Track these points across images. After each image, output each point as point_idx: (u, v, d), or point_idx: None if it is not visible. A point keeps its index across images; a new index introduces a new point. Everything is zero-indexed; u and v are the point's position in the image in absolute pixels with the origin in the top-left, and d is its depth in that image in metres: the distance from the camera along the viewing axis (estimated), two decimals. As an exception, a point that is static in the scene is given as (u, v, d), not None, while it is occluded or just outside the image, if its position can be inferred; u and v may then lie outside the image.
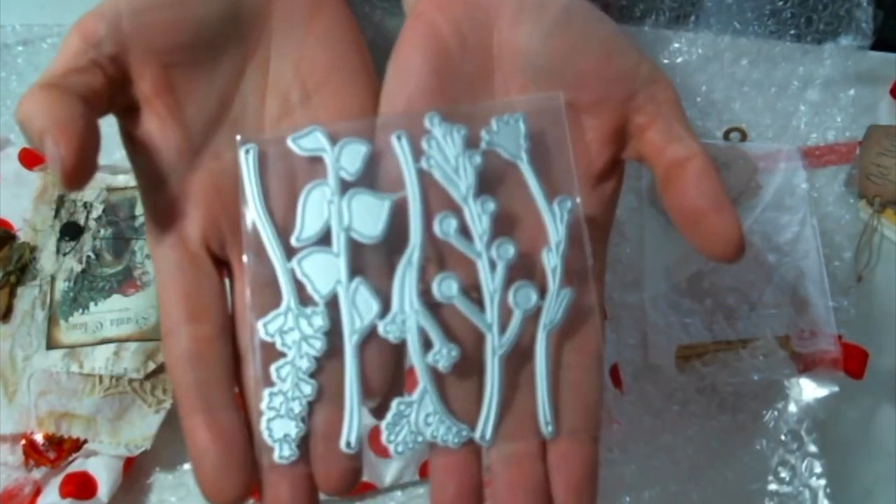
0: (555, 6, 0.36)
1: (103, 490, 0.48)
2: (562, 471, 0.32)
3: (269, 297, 0.33)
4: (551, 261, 0.33)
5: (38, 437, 0.49)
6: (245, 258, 0.33)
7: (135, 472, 0.51)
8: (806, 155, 0.62)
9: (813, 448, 0.48)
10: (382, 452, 0.50)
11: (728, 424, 0.50)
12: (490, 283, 0.32)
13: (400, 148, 0.33)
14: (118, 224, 0.53)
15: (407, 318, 0.32)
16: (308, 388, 0.31)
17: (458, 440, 0.31)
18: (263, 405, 0.31)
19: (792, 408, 0.49)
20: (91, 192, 0.55)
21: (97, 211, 0.54)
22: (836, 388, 0.49)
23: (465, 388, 0.33)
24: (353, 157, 0.33)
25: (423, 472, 0.51)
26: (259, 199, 0.33)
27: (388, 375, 0.33)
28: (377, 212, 0.33)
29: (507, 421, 0.32)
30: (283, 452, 0.31)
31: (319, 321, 0.32)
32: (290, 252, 0.33)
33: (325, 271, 0.32)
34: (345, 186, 0.33)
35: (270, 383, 0.31)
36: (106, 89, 0.32)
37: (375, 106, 0.36)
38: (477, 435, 0.32)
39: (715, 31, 0.66)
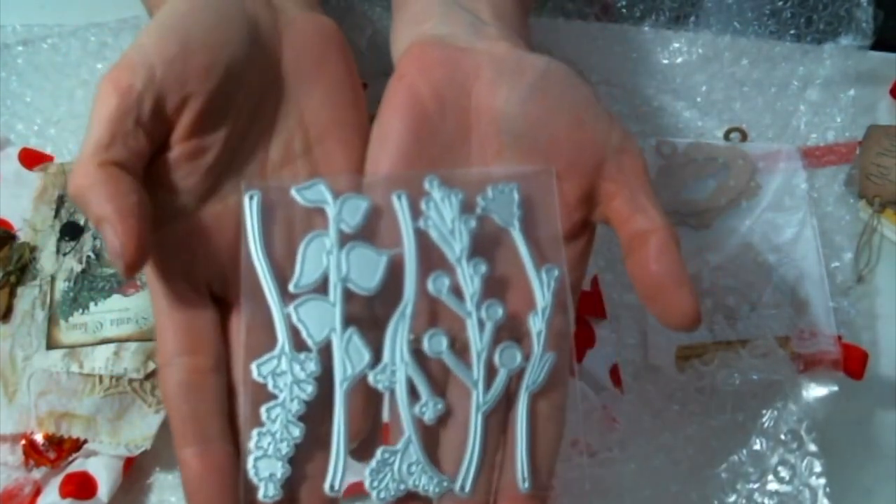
0: (532, 71, 0.37)
1: (103, 490, 0.48)
2: None
3: (263, 340, 0.33)
4: (537, 325, 0.35)
5: (38, 437, 0.49)
6: (242, 300, 0.34)
7: (135, 472, 0.51)
8: (806, 155, 0.62)
9: (812, 447, 0.48)
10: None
11: (728, 424, 0.50)
12: (478, 341, 0.34)
13: (400, 207, 0.35)
14: (118, 224, 0.53)
15: (397, 370, 0.33)
16: (297, 431, 0.32)
17: (439, 490, 0.33)
18: (251, 444, 0.32)
19: (791, 407, 0.49)
20: (91, 193, 0.55)
21: (97, 211, 0.54)
22: (835, 388, 0.49)
23: (447, 441, 0.34)
24: (353, 211, 0.35)
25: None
26: (260, 244, 0.34)
27: (370, 422, 0.34)
28: (374, 265, 0.34)
29: (485, 474, 0.33)
30: (267, 492, 0.32)
31: (312, 366, 0.33)
32: (287, 298, 0.34)
33: (320, 319, 0.33)
34: (344, 239, 0.34)
35: (260, 423, 0.32)
36: (148, 151, 0.33)
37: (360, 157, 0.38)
38: (457, 486, 0.33)
39: (715, 31, 0.66)
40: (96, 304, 0.51)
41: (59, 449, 0.49)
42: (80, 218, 0.54)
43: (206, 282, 0.35)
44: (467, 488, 0.33)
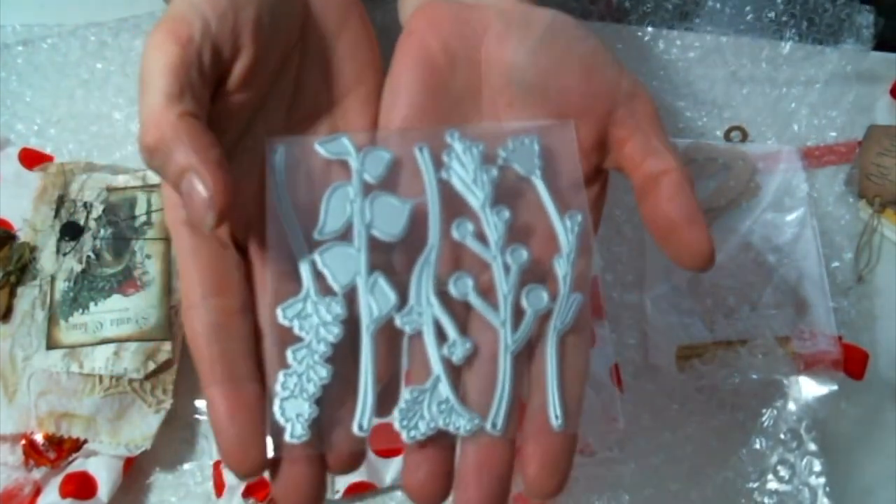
0: (540, 23, 0.37)
1: (103, 490, 0.48)
2: (538, 448, 0.33)
3: (288, 287, 0.33)
4: (562, 267, 0.34)
5: (38, 437, 0.49)
6: (268, 250, 0.34)
7: (135, 472, 0.51)
8: (806, 155, 0.62)
9: (812, 447, 0.48)
10: (382, 453, 0.50)
11: (727, 423, 0.50)
12: (504, 284, 0.34)
13: (422, 158, 0.35)
14: (118, 224, 0.54)
15: (423, 311, 0.33)
16: (324, 372, 0.32)
17: (471, 427, 0.32)
18: (278, 386, 0.31)
19: (791, 406, 0.49)
20: (91, 192, 0.55)
21: (97, 211, 0.54)
22: (835, 387, 0.49)
23: (474, 381, 0.33)
24: (376, 162, 0.35)
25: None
26: (284, 194, 0.35)
27: (394, 367, 0.34)
28: (398, 213, 0.34)
29: (515, 415, 0.33)
30: (295, 432, 0.31)
31: (338, 309, 0.33)
32: (311, 246, 0.34)
33: (344, 264, 0.33)
34: (367, 189, 0.35)
35: (286, 366, 0.32)
36: (208, 104, 0.33)
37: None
38: (488, 424, 0.32)
39: (716, 31, 0.66)
40: (96, 304, 0.51)
41: (59, 449, 0.49)
42: (80, 218, 0.54)
43: (229, 230, 0.34)
44: (499, 425, 0.32)
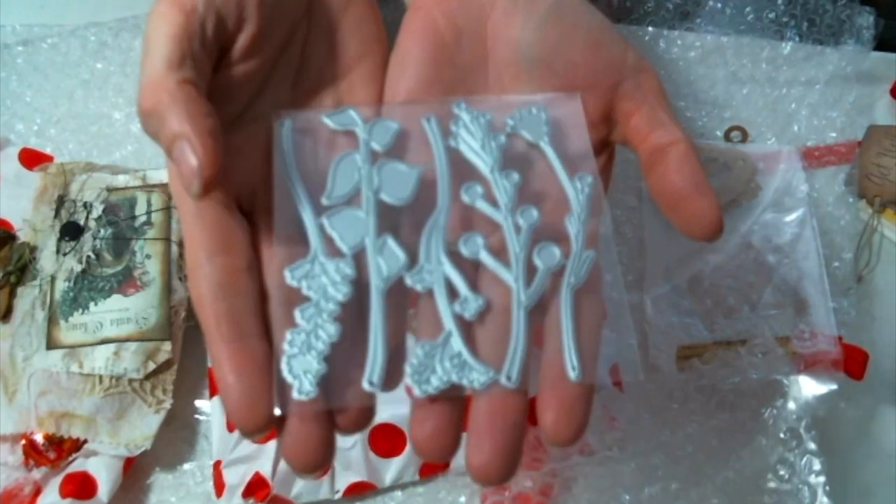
0: None
1: (103, 490, 0.48)
2: (555, 396, 0.32)
3: (295, 251, 0.33)
4: (574, 226, 0.34)
5: (38, 437, 0.49)
6: (276, 218, 0.34)
7: (135, 472, 0.51)
8: (806, 155, 0.62)
9: (812, 446, 0.48)
10: (382, 452, 0.50)
11: (727, 422, 0.50)
12: (515, 243, 0.34)
13: (429, 127, 0.35)
14: (118, 224, 0.54)
15: (434, 270, 0.33)
16: (332, 329, 0.31)
17: (486, 379, 0.32)
18: (285, 344, 0.31)
19: (791, 406, 0.49)
20: (91, 192, 0.55)
21: (97, 211, 0.54)
22: (834, 387, 0.49)
23: (486, 337, 0.33)
24: (383, 132, 0.35)
25: (423, 472, 0.51)
26: (292, 165, 0.35)
27: (404, 327, 0.34)
28: (406, 178, 0.34)
29: (529, 366, 0.33)
30: (303, 387, 0.30)
31: (347, 269, 0.32)
32: (319, 211, 0.34)
33: (353, 227, 0.33)
34: (374, 158, 0.35)
35: (294, 325, 0.32)
36: (210, 73, 0.34)
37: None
38: (502, 376, 0.32)
39: (716, 31, 0.66)
40: (96, 304, 0.51)
41: (59, 449, 0.49)
42: (80, 218, 0.54)
43: (234, 197, 0.34)
44: (514, 377, 0.32)
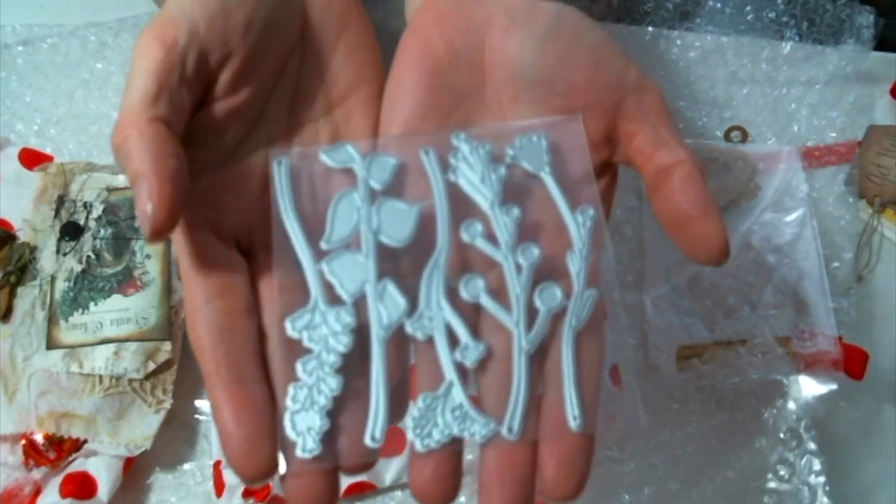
0: (545, 16, 0.37)
1: (103, 490, 0.48)
2: (556, 449, 0.32)
3: (296, 300, 0.33)
4: (576, 264, 0.34)
5: (38, 437, 0.49)
6: (274, 262, 0.34)
7: (135, 472, 0.51)
8: (806, 155, 0.62)
9: (812, 446, 0.48)
10: (382, 452, 0.50)
11: (727, 422, 0.50)
12: (516, 284, 0.33)
13: (428, 161, 0.35)
14: (118, 224, 0.54)
15: (434, 316, 0.32)
16: (334, 383, 0.31)
17: (486, 433, 0.31)
18: (288, 400, 0.31)
19: (791, 406, 0.49)
20: (91, 192, 0.55)
21: (97, 211, 0.54)
22: (834, 387, 0.49)
23: (488, 385, 0.33)
24: (382, 168, 0.34)
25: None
26: (290, 204, 0.34)
27: (405, 373, 0.33)
28: (406, 217, 0.34)
29: (532, 416, 0.32)
30: (306, 446, 0.30)
31: (347, 318, 0.32)
32: (319, 255, 0.33)
33: (353, 272, 0.33)
34: (373, 196, 0.34)
35: (296, 379, 0.31)
36: (190, 109, 0.33)
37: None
38: (504, 428, 0.32)
39: (716, 31, 0.66)
40: (96, 304, 0.51)
41: (59, 449, 0.49)
42: (80, 218, 0.54)
43: (231, 234, 0.34)
44: (515, 429, 0.31)
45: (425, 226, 0.34)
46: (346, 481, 0.50)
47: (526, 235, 0.34)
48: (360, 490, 0.50)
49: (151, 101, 0.31)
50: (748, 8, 0.66)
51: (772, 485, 0.48)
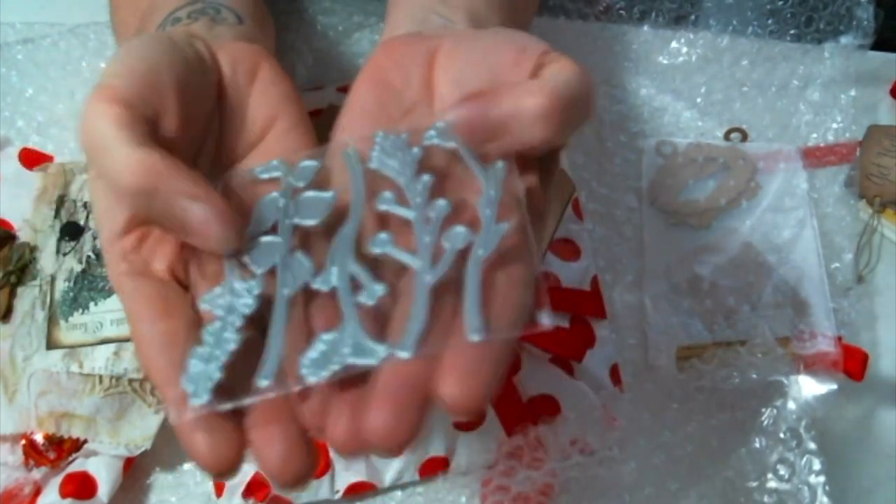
0: (487, 33, 0.39)
1: (103, 490, 0.48)
2: (454, 362, 0.30)
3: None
4: (483, 205, 0.33)
5: (38, 437, 0.49)
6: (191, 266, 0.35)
7: (135, 472, 0.51)
8: (806, 155, 0.62)
9: (812, 445, 0.48)
10: (382, 452, 0.50)
11: (727, 422, 0.50)
12: (423, 233, 0.33)
13: (347, 155, 0.36)
14: (118, 224, 0.54)
15: (339, 271, 0.33)
16: (233, 337, 0.32)
17: (383, 355, 0.31)
18: (188, 359, 0.31)
19: (791, 405, 0.49)
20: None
21: (97, 211, 0.54)
22: (834, 386, 0.49)
23: (396, 321, 0.32)
24: (304, 171, 0.36)
25: (423, 472, 0.51)
26: None
27: (311, 335, 0.33)
28: (320, 202, 0.35)
29: (432, 335, 0.31)
30: (199, 394, 0.31)
31: (255, 285, 0.33)
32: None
33: (267, 251, 0.34)
34: (294, 193, 0.35)
35: (200, 343, 0.32)
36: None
37: (308, 143, 0.39)
38: (397, 349, 0.31)
39: (714, 31, 0.66)
40: (96, 304, 0.51)
41: (59, 449, 0.49)
42: (80, 218, 0.54)
43: (170, 271, 0.35)
44: (408, 346, 0.30)
45: (343, 208, 0.34)
46: (345, 481, 0.50)
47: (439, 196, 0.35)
48: (360, 490, 0.50)
49: (146, 143, 0.33)
50: (746, 6, 0.66)
51: (772, 485, 0.47)
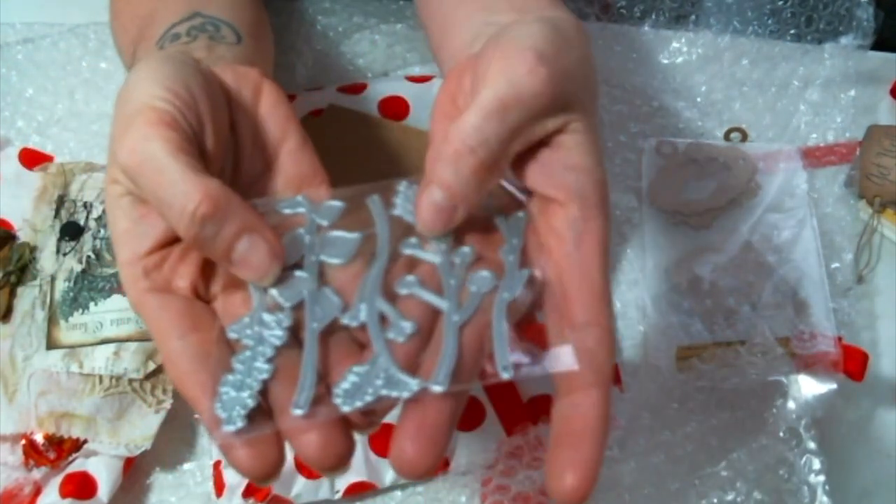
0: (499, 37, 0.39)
1: (103, 490, 0.48)
2: (575, 414, 0.32)
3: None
4: (506, 252, 0.36)
5: (38, 437, 0.49)
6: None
7: (135, 472, 0.51)
8: (806, 155, 0.62)
9: (811, 445, 0.48)
10: (382, 452, 0.50)
11: (727, 422, 0.50)
12: (449, 276, 0.35)
13: (372, 203, 0.37)
14: (118, 224, 0.54)
15: (368, 308, 0.34)
16: (264, 367, 0.33)
17: (416, 388, 0.32)
18: (219, 387, 0.32)
19: (791, 405, 0.49)
20: (91, 192, 0.55)
21: (97, 211, 0.54)
22: (834, 386, 0.49)
23: (426, 359, 0.33)
24: (328, 210, 0.37)
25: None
26: None
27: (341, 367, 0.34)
28: (348, 243, 0.36)
29: (462, 371, 0.33)
30: (232, 421, 0.32)
31: (284, 318, 0.34)
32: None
33: (294, 286, 0.35)
34: (319, 230, 0.36)
35: (231, 370, 0.33)
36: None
37: (315, 162, 0.40)
38: (430, 384, 0.32)
39: (715, 30, 0.66)
40: (96, 304, 0.51)
41: (59, 449, 0.49)
42: (80, 218, 0.54)
43: (193, 288, 0.36)
44: (442, 383, 0.32)
45: (369, 249, 0.36)
46: (345, 481, 0.50)
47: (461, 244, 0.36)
48: (360, 490, 0.50)
49: (202, 171, 0.33)
50: (747, 7, 0.66)
51: (772, 484, 0.48)
